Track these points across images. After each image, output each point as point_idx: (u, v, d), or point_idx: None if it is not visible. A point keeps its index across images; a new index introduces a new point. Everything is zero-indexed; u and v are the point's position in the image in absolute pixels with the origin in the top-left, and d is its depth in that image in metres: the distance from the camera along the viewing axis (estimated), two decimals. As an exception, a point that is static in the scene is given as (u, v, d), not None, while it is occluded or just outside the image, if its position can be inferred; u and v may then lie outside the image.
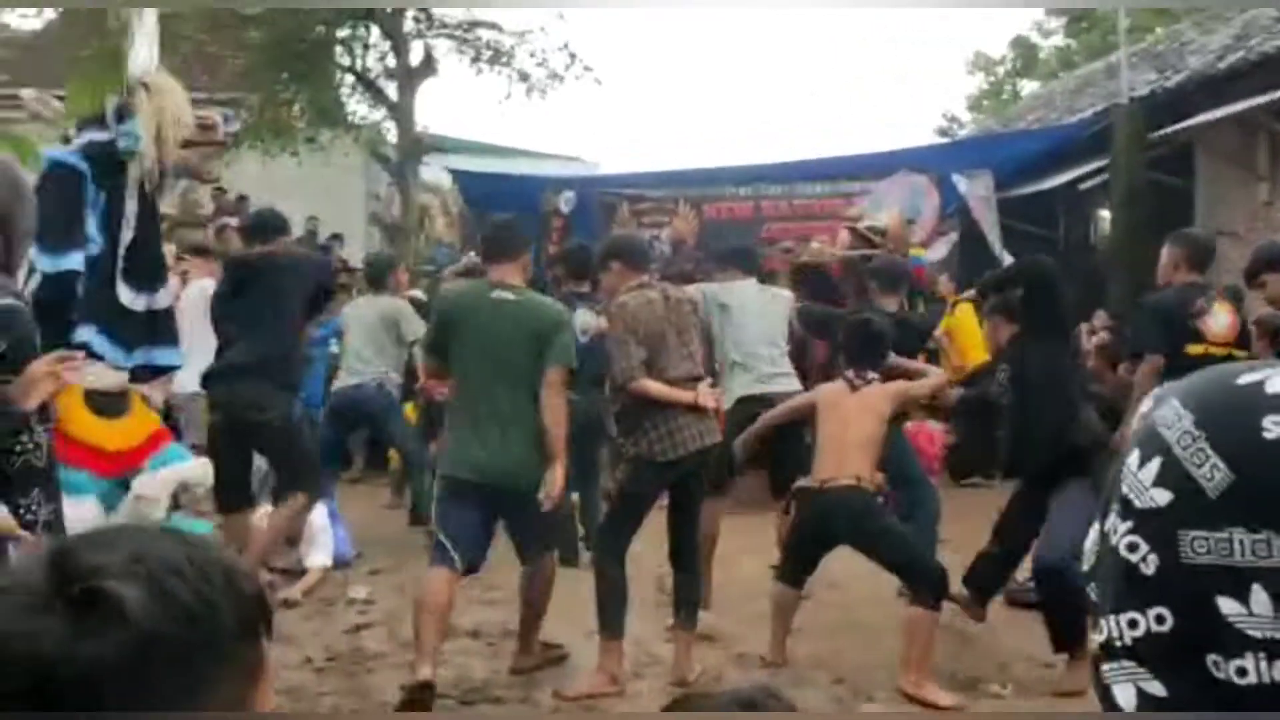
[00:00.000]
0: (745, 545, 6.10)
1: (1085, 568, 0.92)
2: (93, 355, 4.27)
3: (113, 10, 13.82)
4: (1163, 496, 0.84)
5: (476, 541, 4.63)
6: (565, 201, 11.78)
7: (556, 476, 4.50)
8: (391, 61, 15.08)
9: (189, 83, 15.79)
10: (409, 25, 14.79)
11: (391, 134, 15.81)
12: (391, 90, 15.13)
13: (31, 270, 4.21)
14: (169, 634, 0.76)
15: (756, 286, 6.08)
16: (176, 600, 0.77)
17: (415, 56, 14.88)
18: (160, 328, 4.50)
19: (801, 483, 4.97)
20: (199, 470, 4.57)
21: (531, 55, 15.16)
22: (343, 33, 15.11)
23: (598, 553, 4.82)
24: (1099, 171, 11.05)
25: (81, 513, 4.11)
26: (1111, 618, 0.85)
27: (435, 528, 4.64)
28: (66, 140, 4.40)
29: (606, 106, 66.22)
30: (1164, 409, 0.87)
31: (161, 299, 4.51)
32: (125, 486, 4.38)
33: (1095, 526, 0.92)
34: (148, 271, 4.43)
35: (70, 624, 0.74)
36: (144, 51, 4.55)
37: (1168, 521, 0.83)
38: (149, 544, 0.80)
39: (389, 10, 14.31)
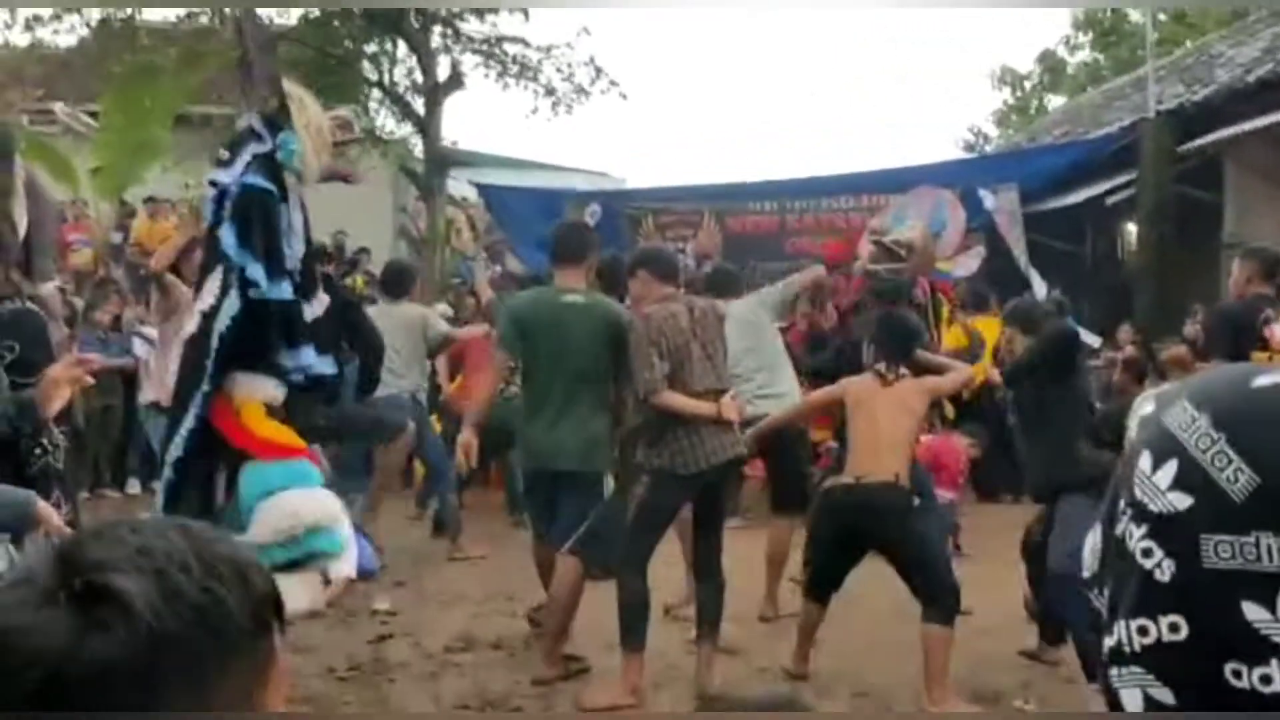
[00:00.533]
0: (763, 557, 6.07)
1: (1085, 574, 0.90)
2: (271, 372, 4.32)
3: (144, 26, 14.03)
4: (1182, 500, 0.82)
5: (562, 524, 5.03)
6: (590, 215, 11.81)
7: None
8: (418, 76, 15.16)
9: (218, 97, 15.94)
10: (436, 41, 14.86)
11: (418, 148, 15.89)
12: (419, 105, 15.20)
13: (227, 290, 4.21)
14: (175, 629, 0.75)
15: (738, 309, 6.06)
16: (183, 595, 0.77)
17: (442, 72, 14.94)
18: (320, 337, 4.53)
19: (834, 480, 4.93)
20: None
21: (557, 70, 15.20)
22: (370, 48, 15.21)
23: (621, 564, 4.82)
24: (1127, 185, 11.00)
25: (323, 496, 4.25)
26: (1122, 623, 0.84)
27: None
28: (221, 162, 4.35)
29: (632, 121, 66.39)
30: (1174, 410, 0.85)
31: (316, 307, 4.52)
32: None
33: (1093, 533, 0.90)
34: (310, 282, 4.46)
35: (76, 619, 0.74)
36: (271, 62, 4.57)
37: (1188, 526, 0.81)
38: (156, 538, 0.80)
39: (416, 26, 14.40)
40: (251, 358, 4.29)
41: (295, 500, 4.16)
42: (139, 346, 9.16)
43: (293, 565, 4.09)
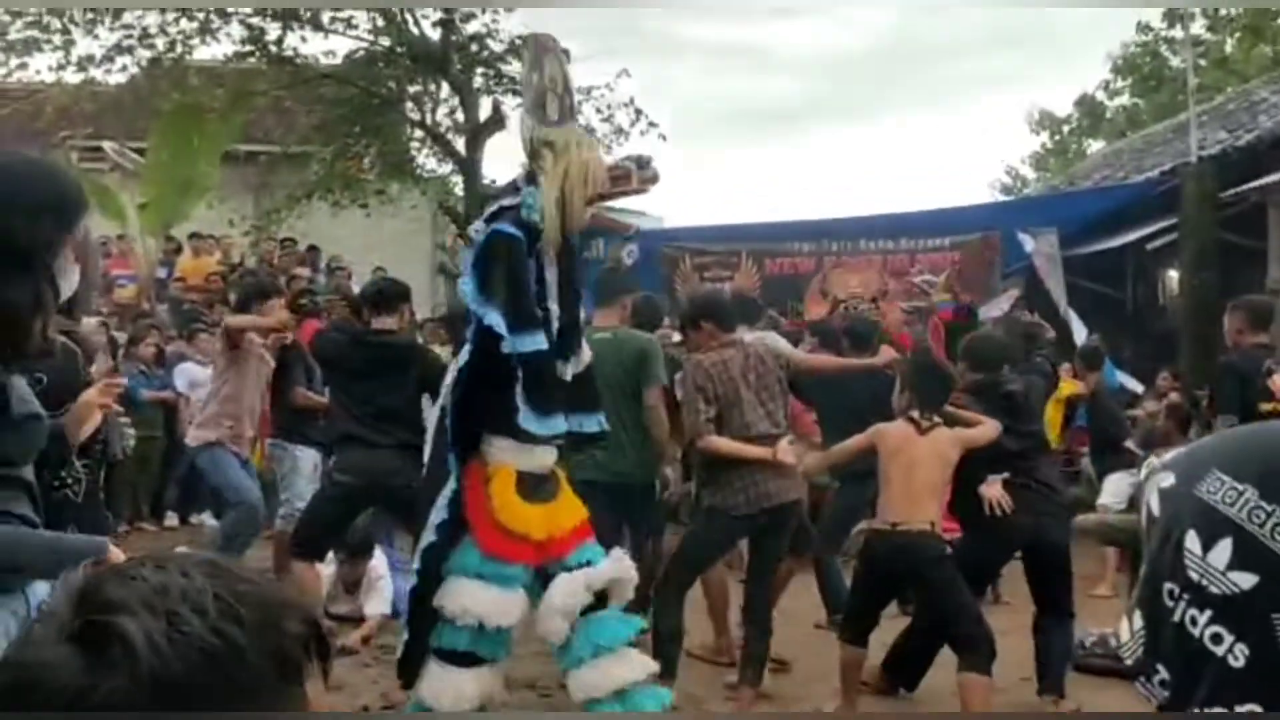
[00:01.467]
0: (800, 604, 6.02)
1: (1129, 660, 0.87)
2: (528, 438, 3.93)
3: (191, 65, 14.30)
4: (1245, 580, 0.78)
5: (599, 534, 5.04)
6: (628, 254, 11.84)
7: (666, 473, 5.51)
8: (460, 116, 15.33)
9: (263, 135, 16.15)
10: (478, 81, 15.05)
11: (459, 187, 16.04)
12: (460, 145, 15.37)
13: (464, 344, 3.96)
14: (180, 672, 0.73)
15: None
16: (191, 637, 0.74)
17: (483, 112, 15.12)
18: (585, 393, 4.19)
19: (868, 524, 4.92)
20: (620, 570, 4.11)
21: (597, 111, 15.32)
22: (413, 89, 15.42)
23: (660, 593, 4.81)
24: (1168, 230, 10.92)
25: (510, 606, 3.89)
26: (1196, 712, 0.81)
27: None
28: (485, 218, 4.16)
29: (671, 161, 66.72)
30: (1209, 483, 0.80)
31: (581, 363, 4.21)
32: (544, 576, 3.99)
33: (1131, 618, 0.86)
34: (572, 339, 4.13)
35: (87, 658, 0.73)
36: (552, 106, 4.11)
37: (1257, 606, 0.77)
38: (178, 577, 0.77)
39: (459, 67, 14.58)
40: (500, 420, 3.89)
41: (476, 595, 3.88)
42: (180, 381, 9.27)
43: (467, 656, 3.91)
